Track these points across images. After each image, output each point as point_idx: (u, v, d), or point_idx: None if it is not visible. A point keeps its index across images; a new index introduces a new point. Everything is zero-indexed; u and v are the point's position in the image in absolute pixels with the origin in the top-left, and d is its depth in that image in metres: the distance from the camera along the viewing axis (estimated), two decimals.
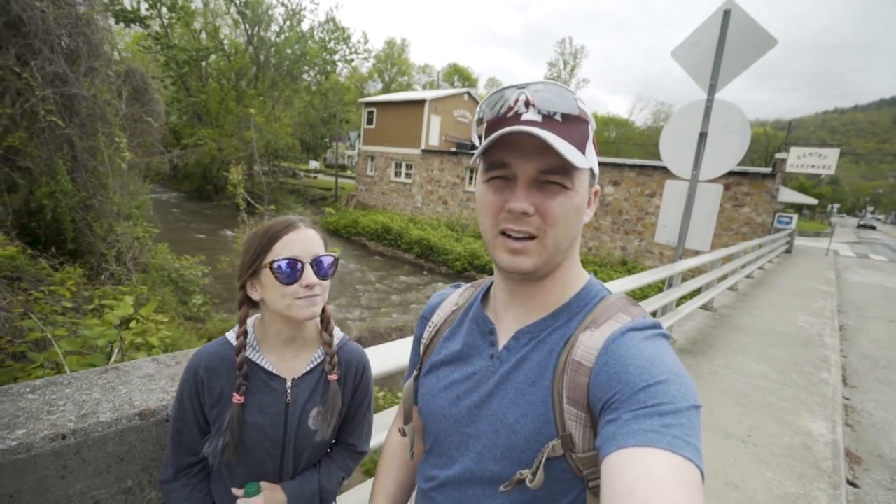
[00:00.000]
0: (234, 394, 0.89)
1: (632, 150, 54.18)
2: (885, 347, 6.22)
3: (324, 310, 1.00)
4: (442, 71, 67.46)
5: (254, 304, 0.96)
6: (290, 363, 0.97)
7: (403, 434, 0.86)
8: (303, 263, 0.88)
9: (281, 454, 0.94)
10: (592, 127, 0.65)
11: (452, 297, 0.86)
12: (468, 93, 26.22)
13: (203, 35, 26.15)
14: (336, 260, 0.95)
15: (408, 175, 23.74)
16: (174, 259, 7.40)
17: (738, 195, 13.41)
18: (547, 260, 0.64)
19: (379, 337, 7.48)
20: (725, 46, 4.10)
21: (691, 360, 4.50)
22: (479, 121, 0.67)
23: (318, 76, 29.43)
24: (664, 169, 12.91)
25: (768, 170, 13.54)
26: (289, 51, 26.37)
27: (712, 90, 4.18)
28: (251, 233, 0.95)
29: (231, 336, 0.96)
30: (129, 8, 19.92)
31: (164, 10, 22.71)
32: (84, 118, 5.78)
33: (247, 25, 26.00)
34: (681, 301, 5.45)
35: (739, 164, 4.55)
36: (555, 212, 0.61)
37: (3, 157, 5.15)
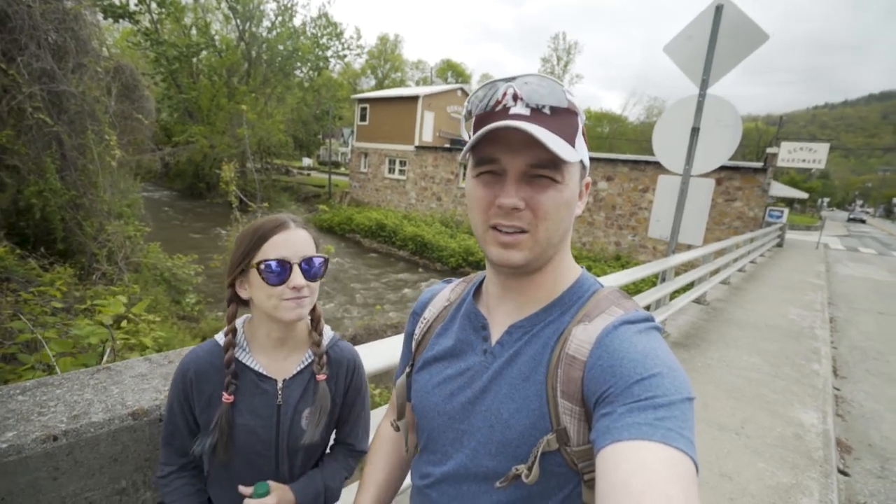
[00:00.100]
0: (224, 393, 0.89)
1: (625, 146, 54.36)
2: (874, 339, 6.32)
3: (314, 309, 1.00)
4: (435, 67, 67.23)
5: (243, 303, 0.95)
6: (280, 364, 0.96)
7: (397, 429, 0.85)
8: (291, 264, 0.87)
9: (275, 455, 0.93)
10: (582, 119, 0.65)
11: (444, 293, 0.86)
12: (462, 88, 26.15)
13: (193, 31, 25.82)
14: (326, 261, 0.94)
15: (402, 172, 23.68)
16: (166, 258, 7.34)
17: (730, 190, 13.51)
18: (538, 254, 0.64)
19: (374, 334, 7.47)
20: (717, 41, 4.11)
21: (685, 354, 4.54)
22: (468, 115, 0.66)
23: (311, 72, 29.19)
24: (657, 164, 12.98)
25: (759, 164, 13.66)
26: (281, 47, 26.12)
27: (704, 85, 4.20)
28: (242, 231, 0.94)
29: (220, 337, 0.95)
30: (117, 3, 19.60)
31: (153, 5, 22.39)
32: (72, 115, 5.69)
33: (238, 21, 25.72)
34: (674, 295, 5.49)
35: (731, 158, 4.58)
36: (545, 206, 0.61)
37: None
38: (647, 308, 4.53)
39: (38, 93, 5.17)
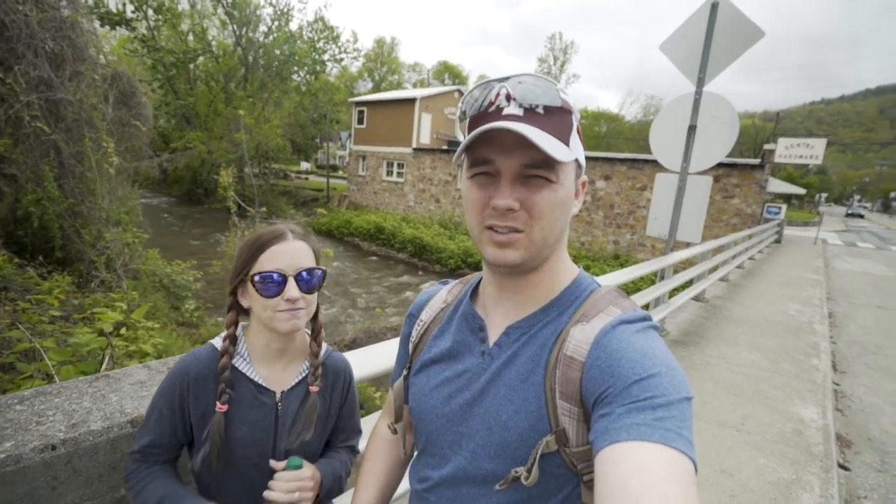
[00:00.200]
0: (217, 402, 0.87)
1: (622, 145, 54.43)
2: (872, 333, 6.32)
3: (316, 319, 1.00)
4: (432, 69, 67.31)
5: (244, 311, 0.95)
6: (279, 375, 0.96)
7: (394, 432, 0.85)
8: (286, 277, 0.87)
9: (271, 468, 0.92)
10: (577, 117, 0.65)
11: (441, 294, 0.85)
12: (459, 90, 26.19)
13: (190, 37, 25.84)
14: (324, 273, 0.94)
15: (399, 174, 23.69)
16: (165, 264, 7.33)
17: (728, 187, 13.53)
18: (534, 253, 0.64)
19: (374, 337, 7.46)
20: (713, 39, 4.13)
21: (684, 351, 4.54)
22: (463, 116, 0.66)
23: (308, 76, 29.21)
24: (655, 162, 13.00)
25: (757, 161, 13.67)
26: (277, 51, 26.14)
27: (701, 83, 4.21)
28: (244, 240, 0.94)
29: (217, 342, 0.94)
30: (114, 10, 19.65)
31: (150, 12, 22.41)
32: (70, 123, 5.69)
33: (235, 26, 25.73)
34: (673, 293, 5.50)
35: (728, 155, 4.60)
36: (540, 206, 0.61)
37: None
38: (647, 306, 4.53)
39: (35, 101, 5.17)
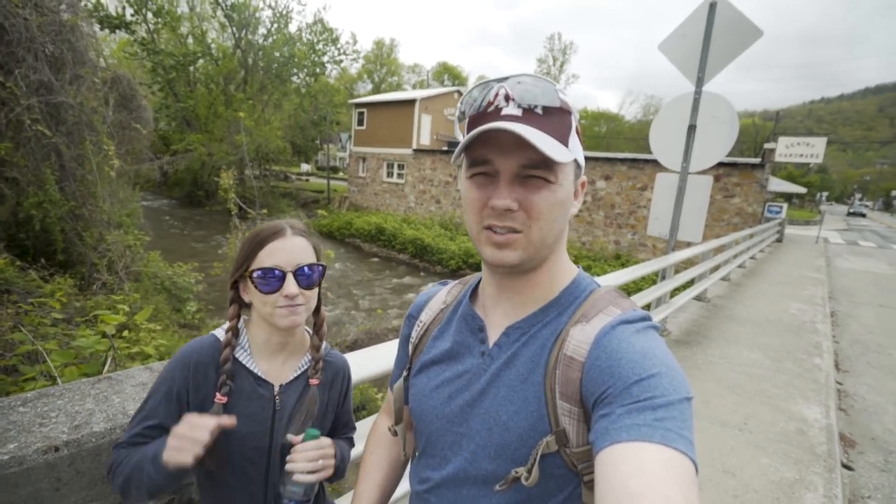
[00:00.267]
0: (217, 394, 0.87)
1: (622, 145, 54.44)
2: (875, 332, 6.31)
3: (318, 313, 1.00)
4: (431, 70, 67.42)
5: (246, 304, 0.95)
6: (279, 369, 0.96)
7: (395, 434, 0.84)
8: (284, 273, 0.87)
9: (267, 462, 0.92)
10: (576, 118, 0.65)
11: (440, 295, 0.85)
12: (458, 91, 26.22)
13: (190, 40, 25.92)
14: (323, 269, 0.94)
15: (400, 175, 23.71)
16: (167, 266, 7.34)
17: (729, 186, 13.52)
18: (533, 254, 0.64)
19: (376, 338, 7.47)
20: (712, 39, 4.13)
21: (686, 351, 4.53)
22: (462, 116, 0.66)
23: (307, 78, 29.28)
24: (655, 162, 13.00)
25: (757, 160, 13.66)
26: (277, 53, 26.20)
27: (700, 82, 4.21)
28: (246, 235, 0.94)
29: (220, 332, 0.94)
30: (113, 14, 19.67)
31: (149, 15, 22.48)
32: (71, 126, 5.71)
33: (234, 29, 25.79)
34: (674, 292, 5.49)
35: (729, 155, 4.60)
36: (538, 206, 0.61)
37: None
38: (648, 306, 4.53)
39: (36, 105, 5.19)
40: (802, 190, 20.59)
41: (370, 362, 1.36)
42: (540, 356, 0.65)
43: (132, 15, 21.31)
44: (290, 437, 0.88)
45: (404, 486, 0.93)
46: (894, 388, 4.40)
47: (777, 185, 17.34)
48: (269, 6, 25.72)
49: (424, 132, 23.77)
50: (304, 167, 46.94)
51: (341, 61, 29.69)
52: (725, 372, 4.08)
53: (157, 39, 24.20)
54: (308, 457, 0.83)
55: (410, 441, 0.84)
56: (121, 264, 6.04)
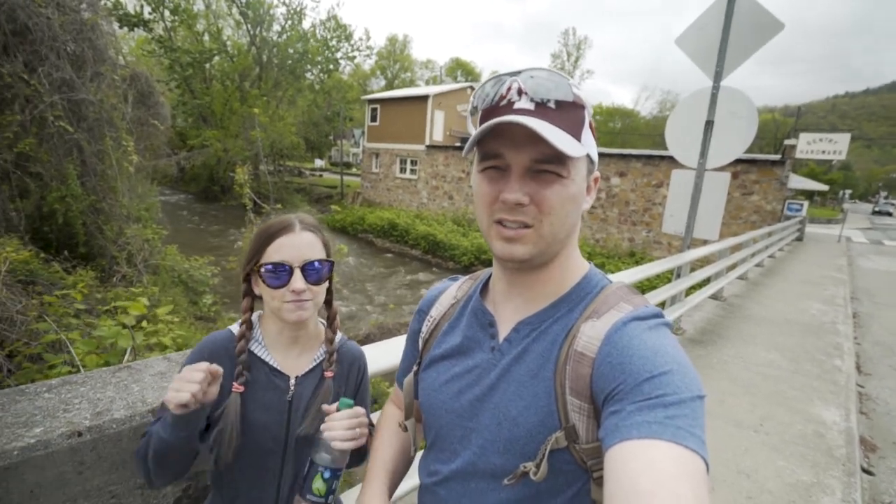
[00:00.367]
0: (234, 383, 0.89)
1: (638, 141, 53.66)
2: None
3: (330, 307, 1.02)
4: (444, 66, 67.24)
5: (258, 297, 0.97)
6: (294, 361, 0.98)
7: (405, 429, 0.85)
8: (291, 268, 0.88)
9: (283, 452, 0.93)
10: (589, 112, 0.64)
11: (450, 291, 0.85)
12: (471, 87, 26.13)
13: (206, 37, 26.24)
14: (331, 265, 0.95)
15: (413, 171, 23.74)
16: (183, 260, 7.49)
17: (747, 183, 13.23)
18: (543, 249, 0.63)
19: (388, 333, 7.52)
20: (731, 32, 4.04)
21: (701, 350, 4.47)
22: (474, 110, 0.66)
23: (321, 75, 29.45)
24: (671, 159, 12.76)
25: (777, 157, 13.34)
26: (291, 50, 26.40)
27: (718, 77, 4.12)
28: (257, 223, 0.96)
29: (235, 327, 0.97)
30: (132, 12, 20.04)
31: (166, 13, 22.82)
32: (91, 123, 5.84)
33: (249, 26, 26.05)
34: (690, 291, 5.41)
35: (747, 151, 4.50)
36: (550, 201, 0.60)
37: (14, 163, 5.23)
38: (663, 304, 4.47)
39: (58, 102, 5.32)
40: (824, 187, 20.06)
41: (381, 357, 1.37)
42: (550, 352, 0.64)
43: (150, 13, 21.67)
44: (325, 406, 0.90)
45: (413, 479, 0.93)
46: None
47: (797, 182, 16.93)
48: (284, 3, 25.91)
49: (437, 128, 23.74)
50: (318, 163, 47.31)
51: (354, 57, 29.79)
52: (741, 372, 4.02)
53: (174, 37, 24.57)
54: (345, 425, 0.84)
55: (420, 435, 0.84)
56: (139, 257, 6.18)
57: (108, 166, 6.02)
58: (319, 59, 27.45)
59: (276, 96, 27.07)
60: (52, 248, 5.46)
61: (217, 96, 24.52)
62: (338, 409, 0.87)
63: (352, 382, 1.04)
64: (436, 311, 0.84)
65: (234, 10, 26.04)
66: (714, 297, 6.37)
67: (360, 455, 0.98)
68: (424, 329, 0.84)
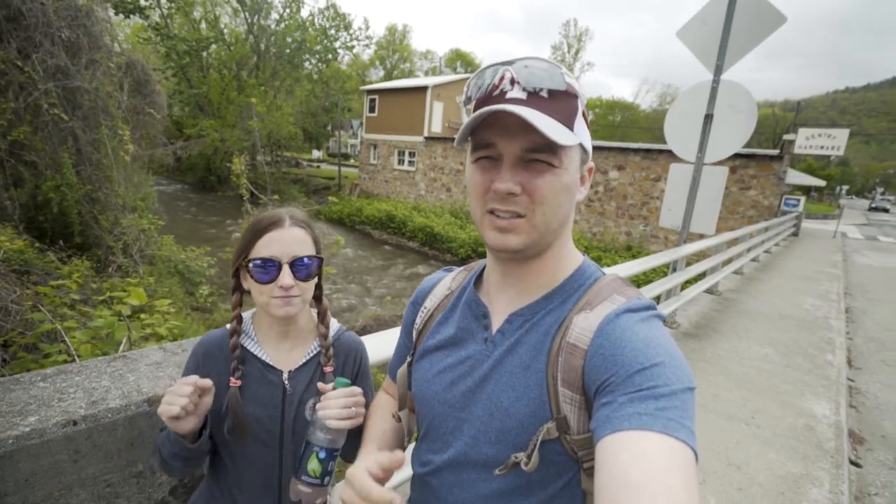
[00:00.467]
0: (231, 378, 0.91)
1: (637, 135, 53.51)
2: (891, 329, 6.19)
3: (321, 302, 1.02)
4: (444, 57, 66.67)
5: (247, 292, 0.97)
6: (286, 355, 0.98)
7: (398, 420, 0.85)
8: (280, 264, 0.88)
9: (279, 445, 0.94)
10: (583, 102, 0.64)
11: (445, 282, 0.86)
12: None
13: (203, 25, 25.90)
14: (321, 261, 0.95)
15: (411, 163, 23.63)
16: (180, 250, 7.46)
17: (745, 178, 13.24)
18: (536, 239, 0.63)
19: (385, 325, 7.54)
20: (732, 25, 4.01)
21: (695, 344, 4.50)
22: (468, 100, 0.66)
23: (319, 64, 29.16)
24: (669, 152, 12.75)
25: (776, 152, 13.34)
26: (289, 39, 26.10)
27: (718, 71, 4.10)
28: (252, 215, 0.96)
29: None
30: None
31: (163, 0, 22.52)
32: (87, 111, 5.78)
33: (246, 14, 25.72)
34: (685, 285, 5.44)
35: (746, 146, 4.49)
36: (542, 190, 0.60)
37: (8, 151, 5.17)
38: (658, 298, 4.50)
39: (53, 89, 5.26)
40: (821, 183, 20.04)
41: (377, 348, 1.37)
42: (543, 343, 0.65)
43: None
44: (321, 385, 0.90)
45: (406, 470, 0.94)
46: None
47: (795, 177, 16.93)
48: None
49: (436, 119, 23.59)
50: (316, 154, 47.05)
51: (353, 47, 29.48)
52: (734, 366, 4.05)
53: (171, 24, 24.24)
54: (340, 404, 0.83)
55: (413, 425, 0.85)
56: (135, 247, 6.16)
57: (103, 155, 5.97)
58: (318, 48, 27.15)
59: (274, 86, 26.82)
60: (47, 238, 5.43)
61: (214, 85, 24.27)
62: (334, 388, 0.87)
63: (348, 372, 1.05)
64: (430, 303, 0.84)
65: None
66: (709, 291, 6.40)
67: (355, 444, 0.98)
68: (418, 320, 0.84)
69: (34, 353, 2.65)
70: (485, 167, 0.63)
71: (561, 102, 0.60)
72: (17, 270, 3.99)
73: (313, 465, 0.80)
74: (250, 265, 0.88)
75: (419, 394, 0.77)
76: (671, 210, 4.63)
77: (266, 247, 0.88)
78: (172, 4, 22.78)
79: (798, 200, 16.75)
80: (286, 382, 0.95)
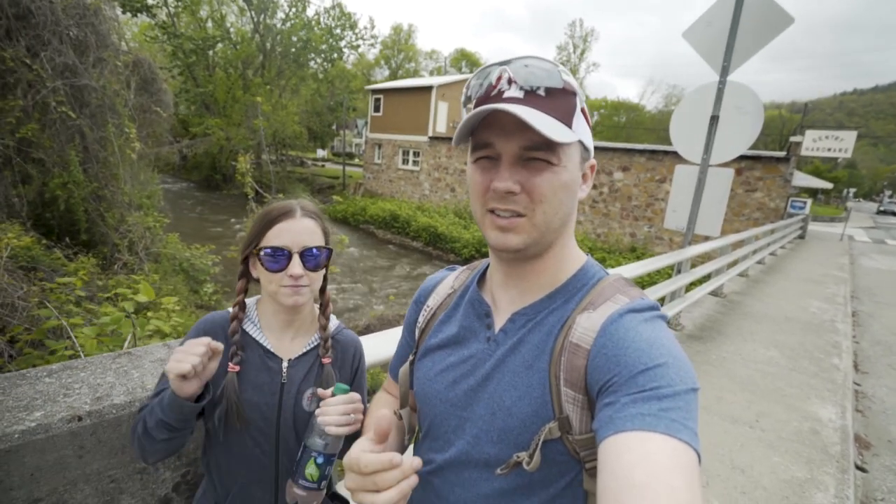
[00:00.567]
0: (230, 363, 0.90)
1: (643, 136, 53.29)
2: None
3: (324, 293, 1.02)
4: (449, 56, 66.66)
5: (254, 280, 0.98)
6: (287, 344, 0.99)
7: (400, 418, 0.85)
8: (290, 253, 0.89)
9: (276, 433, 0.94)
10: (581, 99, 0.64)
11: (448, 281, 0.86)
12: None
13: (209, 23, 26.06)
14: (330, 252, 0.96)
15: (415, 162, 23.65)
16: (185, 248, 7.50)
17: (751, 180, 13.16)
18: (537, 238, 0.63)
19: (388, 324, 7.55)
20: (739, 26, 3.98)
21: (700, 346, 4.48)
22: (468, 100, 0.66)
23: (325, 63, 29.25)
24: (675, 154, 12.68)
25: (782, 154, 13.25)
26: (294, 38, 26.20)
27: (724, 72, 4.07)
28: (258, 211, 0.97)
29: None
30: None
31: None
32: (94, 109, 5.83)
33: (252, 13, 25.85)
34: (690, 287, 5.41)
35: (752, 147, 4.46)
36: (541, 189, 0.60)
37: (16, 149, 5.22)
38: (662, 300, 4.48)
39: (61, 87, 5.31)
40: (828, 185, 19.87)
41: (379, 347, 1.37)
42: (546, 343, 0.65)
43: None
44: (320, 391, 0.90)
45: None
46: None
47: (802, 179, 16.81)
48: None
49: (441, 119, 23.59)
50: (320, 153, 47.16)
51: (358, 46, 29.57)
52: (739, 368, 4.03)
53: (177, 23, 24.40)
54: (339, 410, 0.83)
55: (414, 423, 0.85)
56: (141, 245, 6.20)
57: (110, 153, 6.02)
58: (323, 47, 27.24)
59: (280, 85, 26.93)
60: (54, 235, 5.47)
61: (220, 84, 24.41)
62: (333, 395, 0.88)
63: (347, 369, 1.05)
64: (432, 301, 0.84)
65: None
66: (714, 293, 6.37)
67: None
68: (421, 319, 0.84)
69: (40, 350, 2.67)
70: (484, 167, 0.63)
71: (559, 100, 0.60)
72: (25, 267, 4.03)
73: (311, 469, 0.81)
74: (261, 253, 0.89)
75: (421, 392, 0.77)
76: (676, 211, 4.60)
77: (277, 236, 0.90)
78: (179, 3, 22.96)
79: (804, 203, 16.62)
80: (285, 370, 0.96)
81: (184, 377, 0.76)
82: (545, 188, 0.60)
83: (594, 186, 16.27)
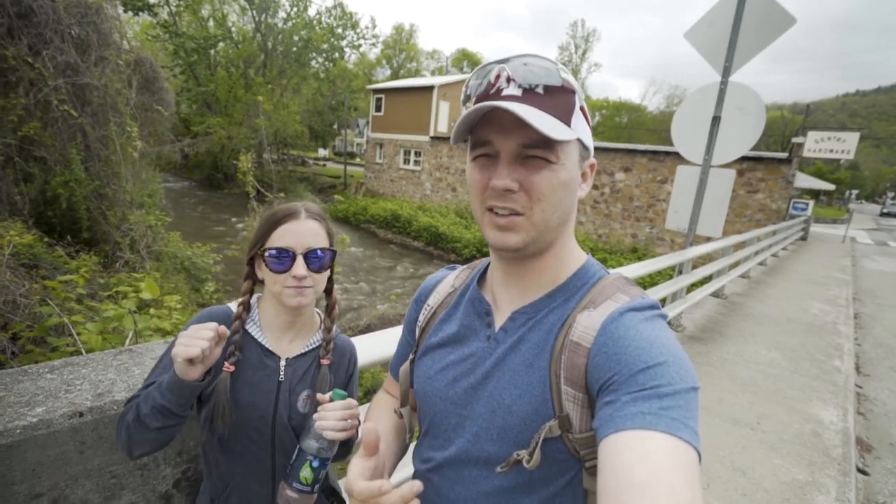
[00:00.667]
0: (225, 362, 0.90)
1: (644, 136, 53.23)
2: None
3: (330, 295, 1.03)
4: (451, 56, 66.69)
5: (260, 280, 0.98)
6: (286, 345, 0.99)
7: (400, 416, 0.85)
8: (294, 254, 0.90)
9: (271, 433, 0.94)
10: (580, 97, 0.64)
11: (448, 280, 0.86)
12: None
13: (211, 23, 26.09)
14: (334, 254, 0.96)
15: (416, 162, 23.66)
16: (186, 247, 7.52)
17: (753, 181, 13.14)
18: (536, 236, 0.63)
19: (388, 323, 7.56)
20: (741, 26, 3.98)
21: (701, 348, 4.47)
22: (467, 99, 0.66)
23: (326, 63, 29.28)
24: (676, 154, 12.67)
25: (784, 155, 13.23)
26: (296, 37, 26.22)
27: (726, 72, 4.07)
28: (264, 213, 0.97)
29: (234, 305, 0.98)
30: None
31: None
32: (96, 107, 5.84)
33: (254, 12, 25.88)
34: (691, 288, 5.40)
35: (754, 148, 4.46)
36: (539, 187, 0.60)
37: (18, 147, 5.24)
38: (664, 301, 4.47)
39: (62, 85, 5.32)
40: (830, 187, 19.81)
41: (379, 346, 1.38)
42: (546, 341, 0.65)
43: None
44: (319, 395, 0.90)
45: (408, 468, 0.94)
46: None
47: (804, 181, 16.75)
48: None
49: (442, 119, 23.60)
50: (322, 152, 47.21)
51: (360, 46, 29.60)
52: (740, 370, 4.02)
53: (179, 22, 24.44)
54: (338, 416, 0.84)
55: (415, 422, 0.85)
56: (142, 243, 6.21)
57: (111, 151, 6.03)
58: (325, 46, 27.27)
59: (281, 84, 26.96)
60: (56, 233, 5.49)
61: (221, 83, 24.44)
62: (331, 399, 0.88)
63: (342, 373, 1.06)
64: (433, 300, 0.84)
65: None
66: (715, 294, 6.36)
67: (347, 448, 0.99)
68: (421, 317, 0.84)
69: (42, 346, 2.68)
70: (483, 165, 0.63)
71: (557, 98, 0.60)
72: (27, 265, 4.04)
73: (306, 472, 0.82)
74: (266, 254, 0.90)
75: (421, 391, 0.77)
76: (678, 212, 4.60)
77: (281, 237, 0.90)
78: (181, 2, 23.00)
79: (807, 204, 16.58)
80: (282, 370, 0.96)
81: (191, 362, 0.76)
82: (543, 186, 0.60)
83: (595, 187, 16.26)
